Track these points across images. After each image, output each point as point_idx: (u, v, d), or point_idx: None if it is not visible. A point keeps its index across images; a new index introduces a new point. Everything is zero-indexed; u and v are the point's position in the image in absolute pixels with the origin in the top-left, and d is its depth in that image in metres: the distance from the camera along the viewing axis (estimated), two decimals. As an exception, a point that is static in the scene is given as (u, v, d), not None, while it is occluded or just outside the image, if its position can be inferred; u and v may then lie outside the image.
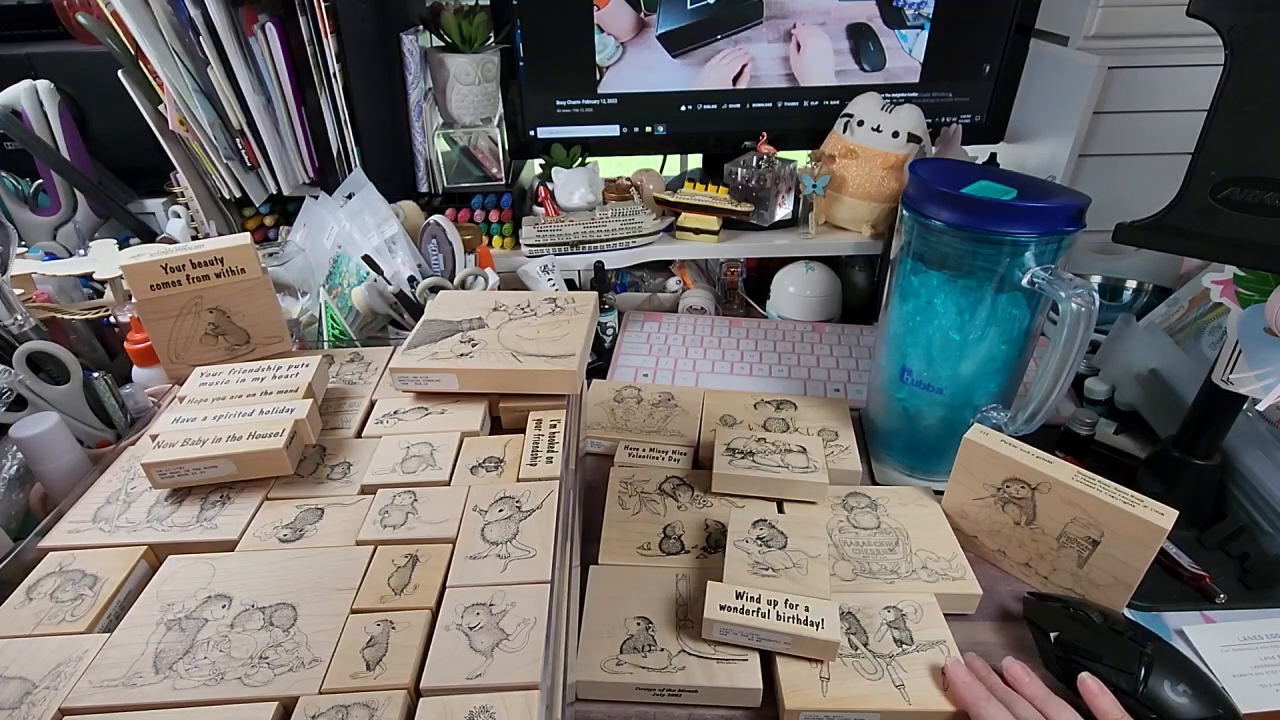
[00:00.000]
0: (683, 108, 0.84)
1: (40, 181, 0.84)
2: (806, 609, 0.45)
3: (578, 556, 0.50)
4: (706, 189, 0.81)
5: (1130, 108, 0.76)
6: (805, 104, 0.84)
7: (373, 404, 0.51)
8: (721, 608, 0.45)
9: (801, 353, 0.78)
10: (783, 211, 0.83)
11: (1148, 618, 0.50)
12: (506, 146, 0.83)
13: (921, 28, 0.79)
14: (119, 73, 0.72)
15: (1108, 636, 0.45)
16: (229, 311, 0.52)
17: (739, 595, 0.46)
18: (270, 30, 0.71)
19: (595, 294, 0.56)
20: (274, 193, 0.79)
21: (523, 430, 0.47)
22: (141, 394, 0.62)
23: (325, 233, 0.76)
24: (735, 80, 0.82)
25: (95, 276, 0.70)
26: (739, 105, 0.84)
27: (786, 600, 0.46)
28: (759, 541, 0.51)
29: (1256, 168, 0.42)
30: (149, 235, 0.85)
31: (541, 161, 0.86)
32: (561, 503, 0.41)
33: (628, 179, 0.88)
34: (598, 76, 0.82)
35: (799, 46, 0.80)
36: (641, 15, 0.79)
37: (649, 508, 0.57)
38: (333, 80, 0.73)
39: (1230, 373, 0.49)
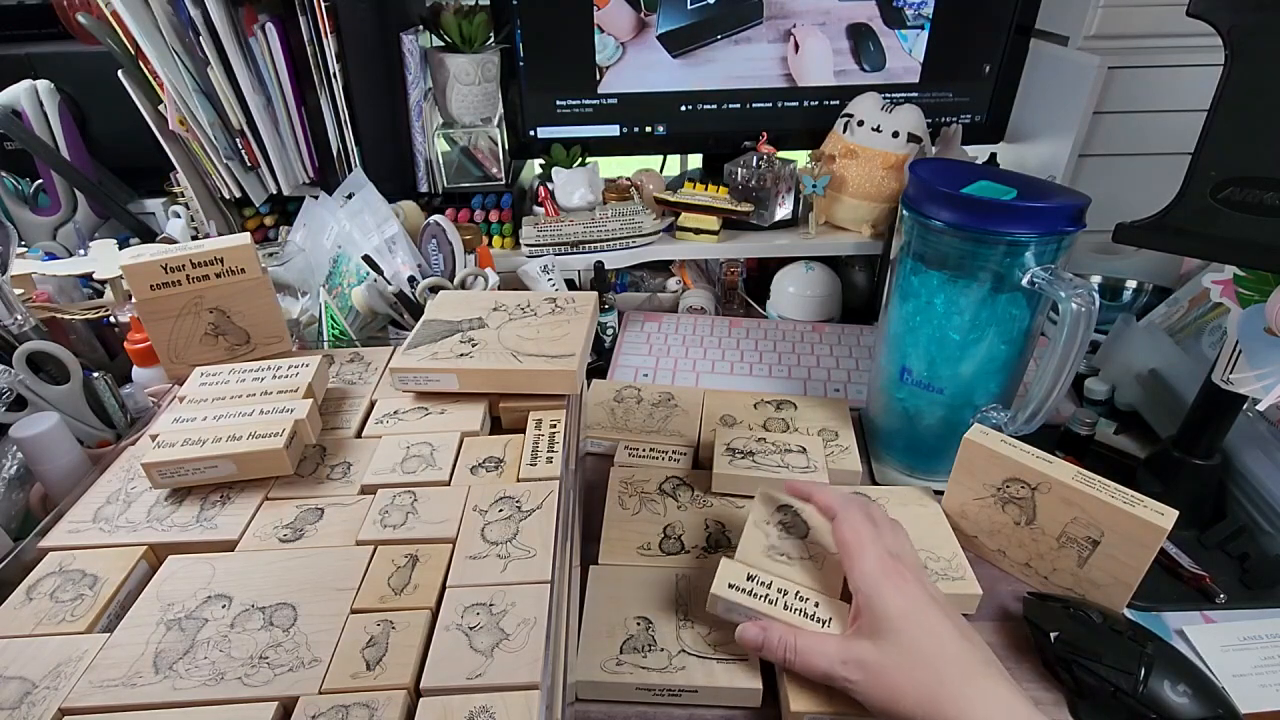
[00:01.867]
0: (683, 108, 0.84)
1: (40, 181, 0.84)
2: (816, 605, 0.44)
3: (578, 556, 0.50)
4: (706, 189, 0.81)
5: (1130, 108, 0.76)
6: (805, 104, 0.84)
7: (373, 404, 0.51)
8: (730, 586, 0.45)
9: (801, 353, 0.78)
10: (783, 211, 0.83)
11: (1148, 618, 0.50)
12: (506, 146, 0.83)
13: (921, 28, 0.79)
14: (119, 73, 0.72)
15: (1108, 636, 0.45)
16: (229, 311, 0.52)
17: (750, 577, 0.45)
18: (270, 30, 0.71)
19: (595, 294, 0.56)
20: (274, 193, 0.79)
21: (523, 430, 0.47)
22: (141, 394, 0.62)
23: (325, 233, 0.76)
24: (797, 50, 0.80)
25: (95, 276, 0.70)
26: (739, 105, 0.84)
27: (798, 593, 0.45)
28: (780, 526, 0.50)
29: (1256, 168, 0.42)
30: (149, 235, 0.85)
31: (541, 161, 0.86)
32: (561, 503, 0.41)
33: (628, 179, 0.88)
34: (598, 76, 0.82)
35: (797, 47, 0.80)
36: (641, 15, 0.79)
37: (649, 508, 0.57)
38: (333, 80, 0.73)
39: (1230, 373, 0.49)
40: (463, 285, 0.71)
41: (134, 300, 0.51)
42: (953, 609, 0.42)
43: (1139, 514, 0.46)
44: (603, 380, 0.73)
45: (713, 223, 0.81)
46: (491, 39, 0.79)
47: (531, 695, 0.31)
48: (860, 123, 0.77)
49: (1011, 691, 0.38)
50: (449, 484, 0.43)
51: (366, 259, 0.70)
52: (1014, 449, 0.51)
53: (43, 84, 0.81)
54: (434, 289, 0.68)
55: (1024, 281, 0.50)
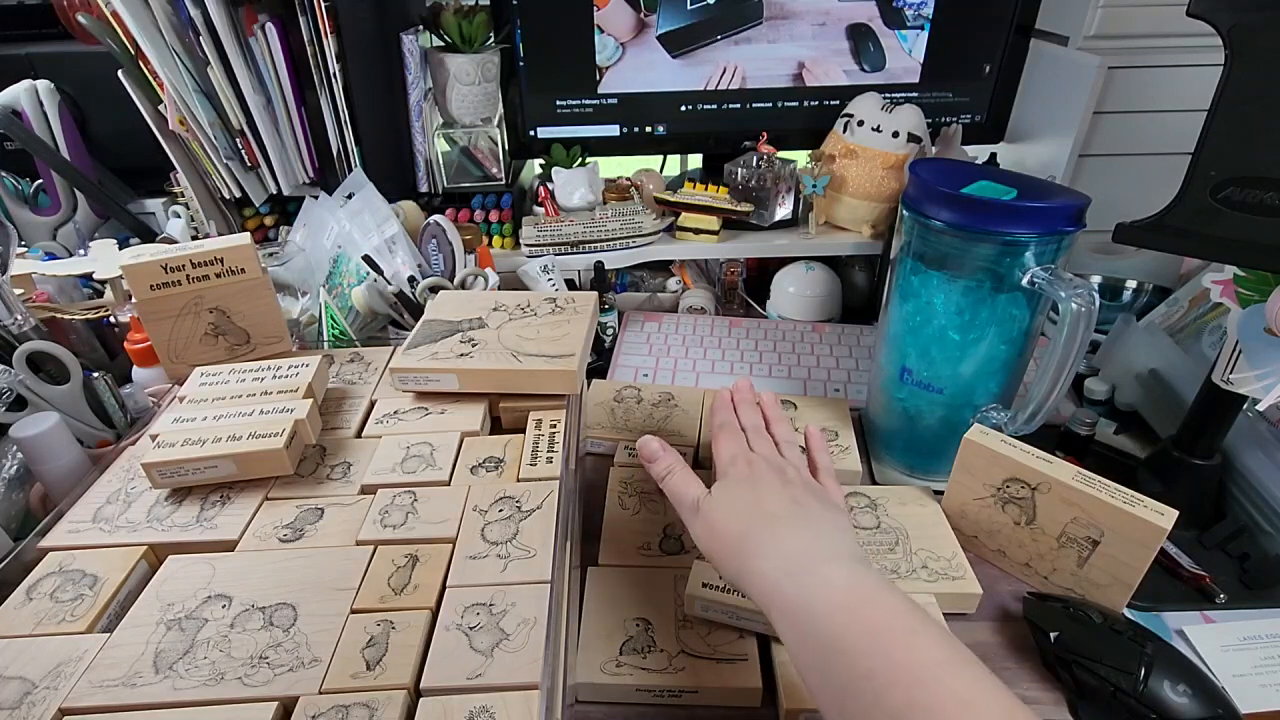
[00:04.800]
0: (683, 108, 0.84)
1: (40, 181, 0.84)
2: None
3: (578, 556, 0.50)
4: (706, 189, 0.81)
5: (1130, 108, 0.76)
6: (805, 104, 0.84)
7: (373, 404, 0.51)
8: (704, 585, 0.46)
9: (801, 353, 0.78)
10: (783, 211, 0.83)
11: (1148, 618, 0.50)
12: (506, 146, 0.83)
13: (921, 28, 0.79)
14: (119, 73, 0.72)
15: (1108, 636, 0.45)
16: (229, 311, 0.52)
17: None
18: (270, 30, 0.71)
19: (595, 294, 0.57)
20: (274, 193, 0.80)
21: (523, 430, 0.47)
22: (141, 394, 0.62)
23: (325, 233, 0.76)
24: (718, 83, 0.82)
25: (95, 276, 0.70)
26: (739, 105, 0.84)
27: None
28: None
29: (1256, 168, 0.42)
30: (149, 235, 0.85)
31: (541, 161, 0.86)
32: (561, 503, 0.41)
33: (628, 179, 0.88)
34: (598, 77, 0.82)
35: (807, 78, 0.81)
36: (641, 15, 0.79)
37: (649, 508, 0.56)
38: (333, 80, 0.73)
39: (1230, 373, 0.49)
40: (463, 285, 0.71)
41: (134, 300, 0.51)
42: (808, 491, 0.43)
43: (1139, 514, 0.46)
44: (603, 380, 0.73)
45: (713, 223, 0.81)
46: (491, 39, 0.79)
47: (531, 695, 0.31)
48: (860, 123, 0.77)
49: (809, 541, 0.39)
50: (449, 484, 0.43)
51: (366, 259, 0.70)
52: (1014, 449, 0.51)
53: (43, 84, 0.81)
54: (434, 289, 0.68)
55: (1024, 281, 0.50)
